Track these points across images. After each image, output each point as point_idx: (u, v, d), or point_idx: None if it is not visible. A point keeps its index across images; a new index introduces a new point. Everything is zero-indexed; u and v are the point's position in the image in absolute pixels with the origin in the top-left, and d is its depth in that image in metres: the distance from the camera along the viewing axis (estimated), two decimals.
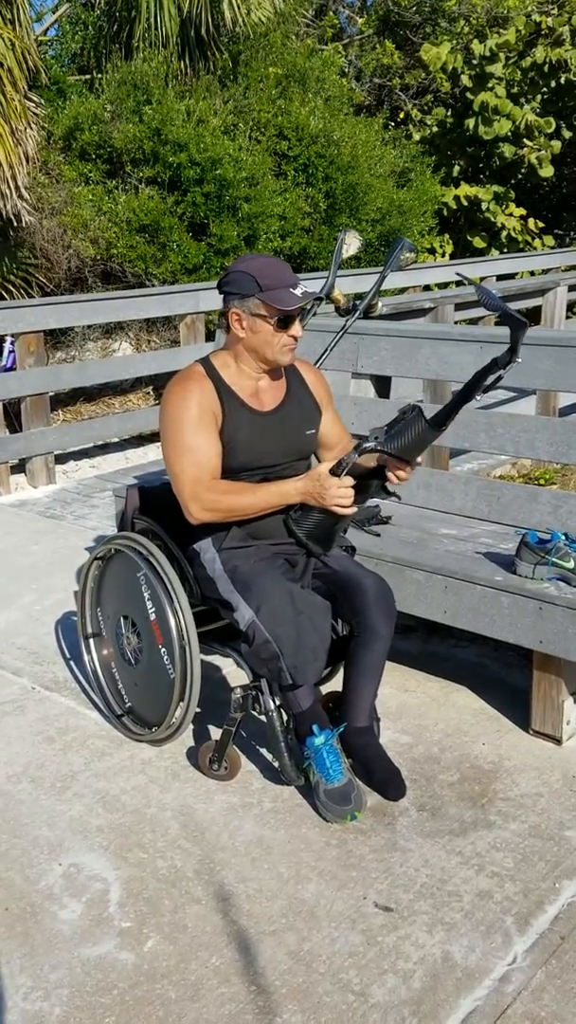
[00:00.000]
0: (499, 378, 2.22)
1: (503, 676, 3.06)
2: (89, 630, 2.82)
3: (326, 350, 3.44)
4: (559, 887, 2.08)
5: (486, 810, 2.36)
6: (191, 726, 2.72)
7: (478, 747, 2.65)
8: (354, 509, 2.32)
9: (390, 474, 2.29)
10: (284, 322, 2.31)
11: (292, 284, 2.29)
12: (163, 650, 2.49)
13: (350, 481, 2.27)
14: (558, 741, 2.65)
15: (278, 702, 2.35)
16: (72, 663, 3.19)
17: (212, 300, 6.08)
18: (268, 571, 2.29)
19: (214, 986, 1.84)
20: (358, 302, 3.58)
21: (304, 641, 2.22)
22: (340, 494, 2.27)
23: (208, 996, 1.81)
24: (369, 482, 2.33)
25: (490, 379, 2.19)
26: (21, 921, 2.02)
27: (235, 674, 3.07)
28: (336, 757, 2.28)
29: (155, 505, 2.71)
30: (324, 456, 2.60)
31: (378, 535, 3.06)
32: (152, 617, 2.50)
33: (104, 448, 6.37)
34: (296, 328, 2.33)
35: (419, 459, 2.33)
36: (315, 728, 2.28)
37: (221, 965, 1.89)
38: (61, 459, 5.98)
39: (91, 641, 2.82)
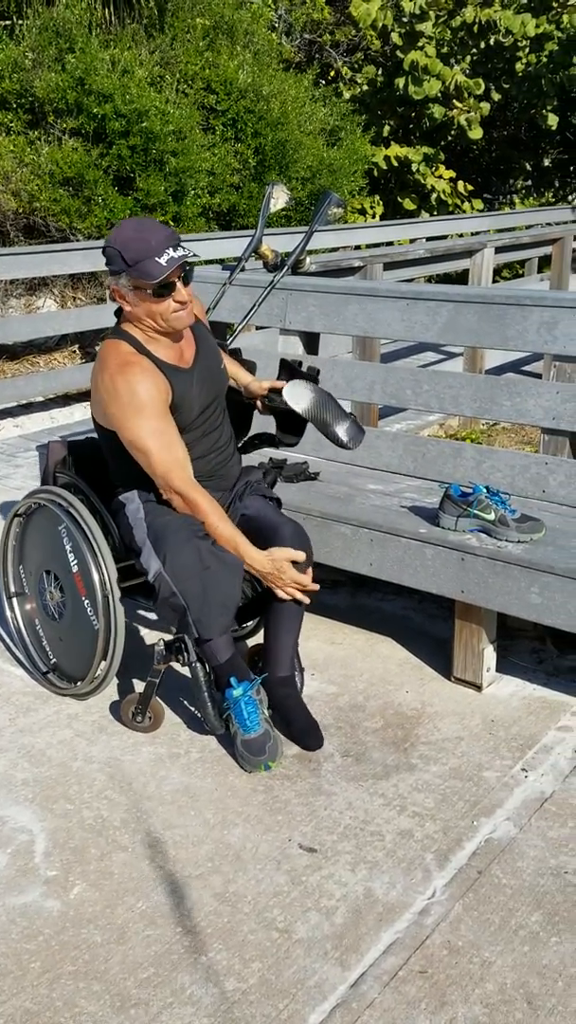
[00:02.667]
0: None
1: (427, 627, 3.13)
2: (12, 589, 2.78)
3: (254, 305, 3.42)
4: (477, 825, 2.15)
5: (408, 754, 2.42)
6: (116, 681, 2.72)
7: (402, 695, 2.71)
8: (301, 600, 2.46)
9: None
10: (161, 291, 2.23)
11: (158, 252, 2.18)
12: (86, 602, 2.48)
13: (306, 580, 2.39)
14: (478, 687, 2.72)
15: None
16: None
17: None
18: (182, 528, 2.30)
19: (140, 929, 1.86)
20: (287, 257, 3.56)
21: (209, 596, 2.24)
22: (299, 585, 2.38)
23: (134, 939, 1.84)
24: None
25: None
26: None
27: (159, 628, 3.07)
28: (254, 708, 2.31)
29: (77, 459, 2.68)
30: None
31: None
32: (75, 570, 2.49)
33: (28, 408, 6.24)
34: (180, 293, 2.25)
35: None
36: (233, 680, 2.31)
37: (147, 909, 1.91)
38: None
39: (14, 600, 2.78)
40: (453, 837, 2.11)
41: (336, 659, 2.92)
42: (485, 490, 2.70)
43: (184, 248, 2.24)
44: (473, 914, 1.90)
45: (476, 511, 2.66)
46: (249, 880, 1.99)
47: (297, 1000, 1.70)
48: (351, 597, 3.36)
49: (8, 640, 3.00)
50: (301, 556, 2.38)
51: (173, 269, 2.20)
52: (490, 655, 2.74)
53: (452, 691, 2.72)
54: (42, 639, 2.73)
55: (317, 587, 2.43)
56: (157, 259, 2.19)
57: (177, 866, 2.03)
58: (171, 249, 2.21)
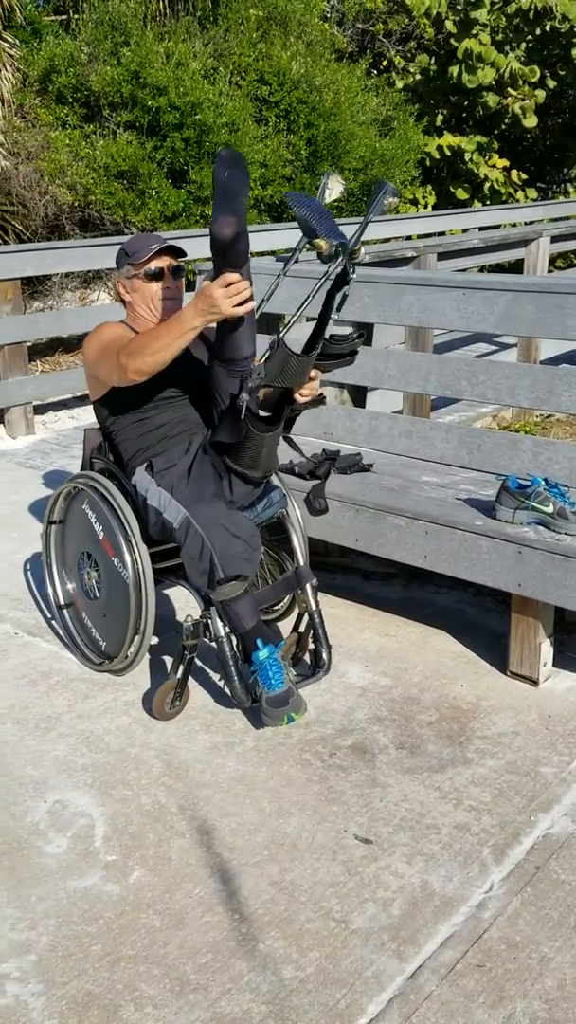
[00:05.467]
0: (344, 296, 2.47)
1: (482, 620, 3.10)
2: (61, 601, 2.86)
3: (308, 296, 3.40)
4: (534, 820, 2.13)
5: (464, 747, 2.40)
6: (145, 667, 2.74)
7: (456, 688, 2.69)
8: (247, 308, 2.27)
9: (296, 396, 2.41)
10: (150, 276, 2.59)
11: (150, 244, 2.57)
12: (115, 560, 2.56)
13: (236, 277, 2.21)
14: (535, 682, 2.69)
15: (227, 629, 2.41)
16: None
17: (193, 249, 5.99)
18: (207, 487, 2.43)
19: (198, 915, 1.88)
20: (341, 248, 3.54)
21: (234, 538, 2.34)
22: (232, 291, 2.20)
23: (193, 924, 1.86)
24: (283, 406, 2.42)
25: (337, 297, 2.45)
26: (7, 856, 2.05)
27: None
28: (279, 668, 2.34)
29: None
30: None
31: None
32: (101, 536, 2.60)
33: (83, 399, 6.30)
34: (168, 281, 2.59)
35: (314, 376, 2.44)
36: (259, 643, 2.35)
37: (205, 895, 1.93)
38: (40, 410, 5.93)
39: (65, 612, 2.86)
40: (510, 832, 2.10)
41: (389, 651, 2.91)
42: (544, 482, 2.66)
43: (177, 253, 2.61)
44: (531, 909, 1.89)
45: (534, 503, 2.63)
46: (305, 869, 1.99)
47: (355, 990, 1.70)
48: (404, 589, 3.34)
49: (63, 638, 3.05)
50: (228, 279, 2.22)
51: (158, 252, 2.56)
52: (547, 650, 2.71)
53: (508, 685, 2.70)
54: (91, 630, 2.78)
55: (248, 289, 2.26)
56: (148, 247, 2.59)
57: (234, 853, 2.04)
58: (159, 243, 2.58)
